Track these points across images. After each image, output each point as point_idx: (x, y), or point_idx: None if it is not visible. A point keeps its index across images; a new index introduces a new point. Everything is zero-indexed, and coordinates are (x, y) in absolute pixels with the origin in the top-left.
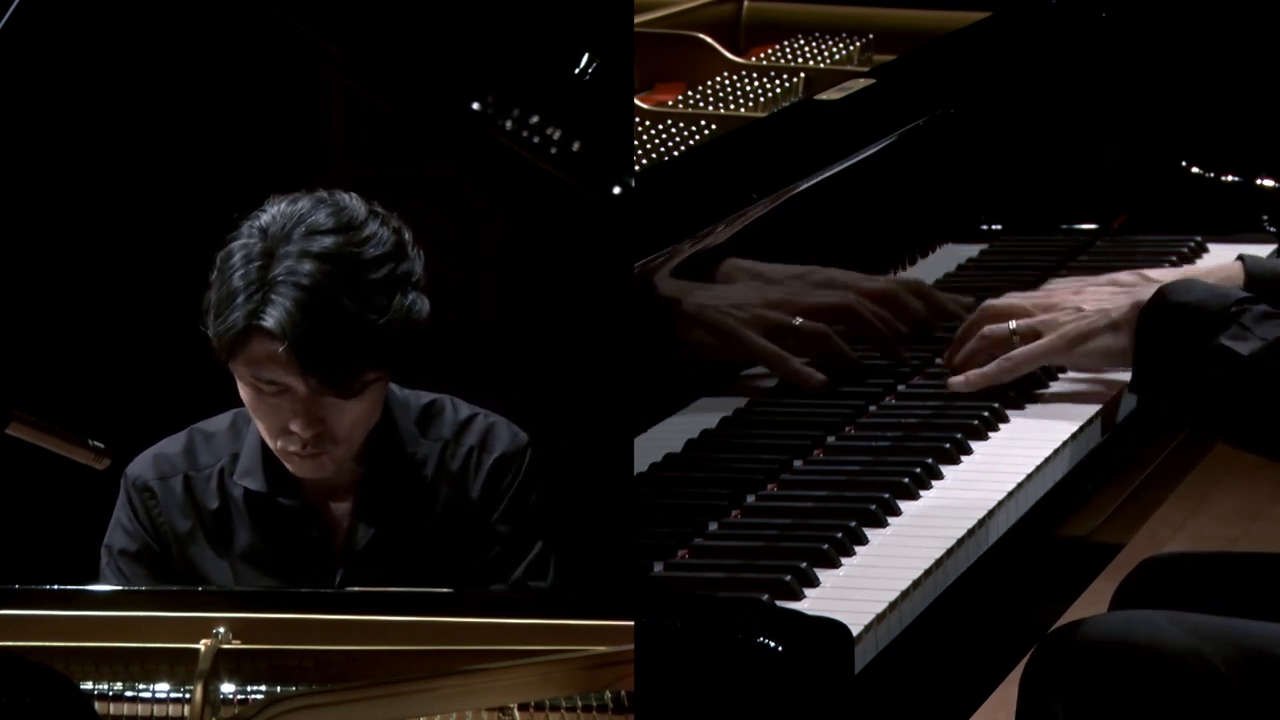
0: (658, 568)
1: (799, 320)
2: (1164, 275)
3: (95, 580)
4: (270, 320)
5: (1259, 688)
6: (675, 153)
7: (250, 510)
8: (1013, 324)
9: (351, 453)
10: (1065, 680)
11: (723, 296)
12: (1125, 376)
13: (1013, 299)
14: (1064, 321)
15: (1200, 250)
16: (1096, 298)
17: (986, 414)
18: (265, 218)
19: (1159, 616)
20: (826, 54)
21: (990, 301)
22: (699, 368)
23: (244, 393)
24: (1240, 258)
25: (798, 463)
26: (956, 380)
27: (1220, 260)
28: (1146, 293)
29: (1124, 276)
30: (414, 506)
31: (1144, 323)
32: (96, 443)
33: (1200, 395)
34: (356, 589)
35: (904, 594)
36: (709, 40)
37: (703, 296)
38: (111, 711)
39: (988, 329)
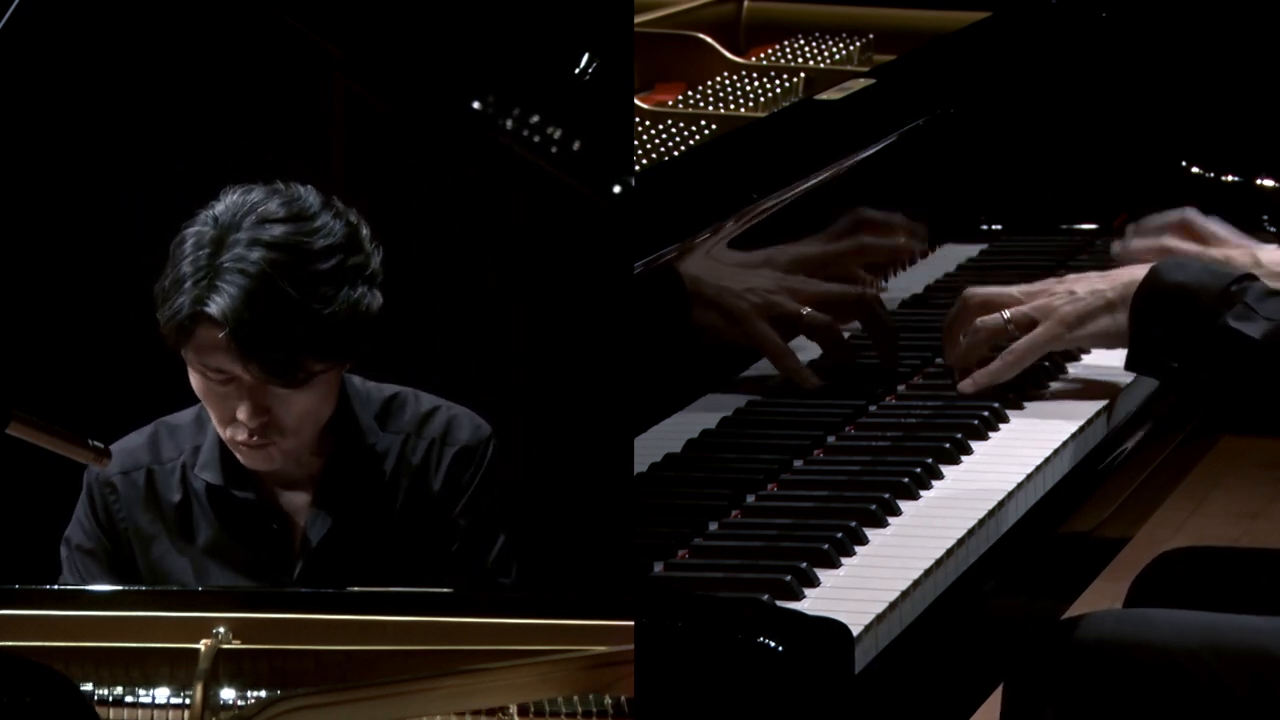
0: (658, 568)
1: (807, 310)
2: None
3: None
4: (214, 307)
5: (1254, 684)
6: (675, 153)
7: (211, 503)
8: (1006, 313)
9: (302, 445)
10: (1055, 679)
11: (739, 280)
12: (1123, 375)
13: (997, 290)
14: (1059, 305)
15: None
16: (1087, 280)
17: (986, 414)
18: (219, 207)
19: (1151, 614)
20: (826, 54)
21: (971, 290)
22: (703, 358)
23: (194, 381)
24: None
25: (798, 463)
26: (965, 384)
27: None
28: (1139, 272)
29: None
30: (374, 500)
31: (1140, 302)
32: (96, 443)
33: (1206, 377)
34: (356, 589)
35: (904, 594)
36: (709, 40)
37: (721, 278)
38: (112, 715)
39: (981, 321)
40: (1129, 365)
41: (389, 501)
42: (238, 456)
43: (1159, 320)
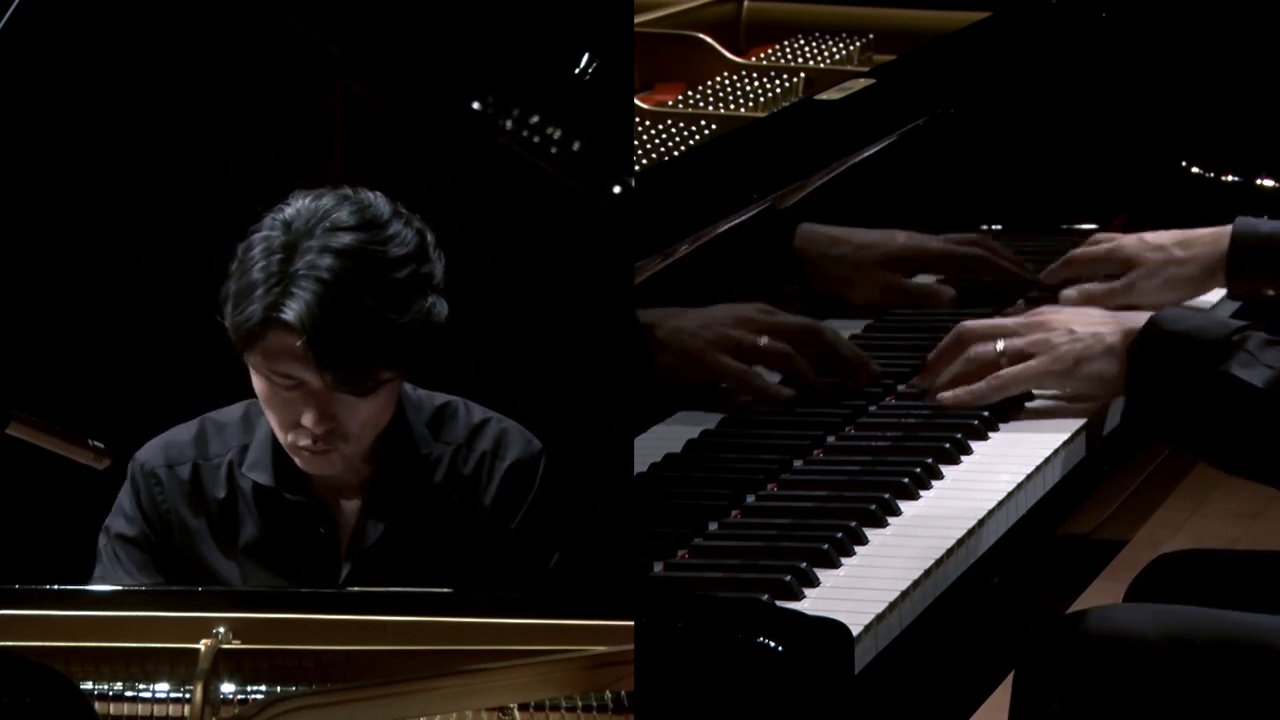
0: (658, 568)
1: (764, 340)
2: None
3: (94, 578)
4: (289, 313)
5: (1256, 677)
6: (675, 153)
7: (258, 503)
8: (1000, 345)
9: (361, 451)
10: (1062, 675)
11: (692, 318)
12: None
13: (994, 321)
14: (1058, 343)
15: None
16: (1087, 320)
17: (986, 414)
18: (289, 211)
19: (1157, 607)
20: (826, 54)
21: (967, 324)
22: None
23: (258, 385)
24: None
25: (798, 463)
26: (945, 396)
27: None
28: (1141, 318)
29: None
30: (423, 508)
31: (1139, 351)
32: (96, 443)
33: (1206, 425)
34: (356, 589)
35: (904, 594)
36: (709, 40)
37: (672, 319)
38: (111, 711)
39: (974, 351)
40: (1126, 415)
41: (438, 510)
42: (297, 461)
43: (1159, 369)
